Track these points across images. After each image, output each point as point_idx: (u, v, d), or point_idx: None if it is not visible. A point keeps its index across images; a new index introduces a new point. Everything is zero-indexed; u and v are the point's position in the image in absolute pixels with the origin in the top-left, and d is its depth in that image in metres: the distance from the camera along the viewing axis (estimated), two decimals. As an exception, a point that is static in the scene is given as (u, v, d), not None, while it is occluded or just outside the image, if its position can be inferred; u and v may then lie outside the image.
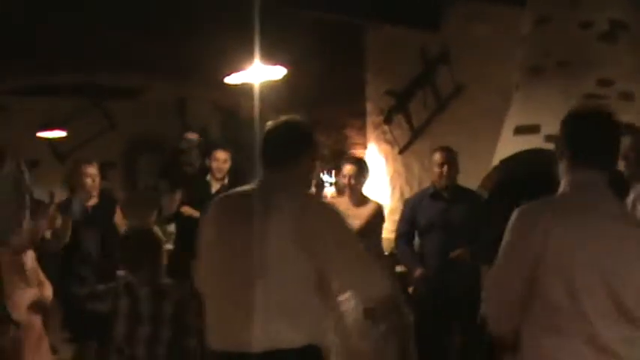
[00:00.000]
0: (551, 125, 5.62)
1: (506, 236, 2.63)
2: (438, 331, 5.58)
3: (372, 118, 8.93)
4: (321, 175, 9.15)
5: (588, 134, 2.71)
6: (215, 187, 6.99)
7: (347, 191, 5.71)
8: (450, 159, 5.67)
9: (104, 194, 6.47)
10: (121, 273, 4.89)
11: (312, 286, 2.86)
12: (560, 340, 2.50)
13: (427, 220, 5.61)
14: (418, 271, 5.55)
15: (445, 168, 5.61)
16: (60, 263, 5.99)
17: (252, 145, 11.26)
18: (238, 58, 6.93)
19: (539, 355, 2.56)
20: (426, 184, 7.81)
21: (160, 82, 8.85)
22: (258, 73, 6.26)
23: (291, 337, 2.82)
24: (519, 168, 6.12)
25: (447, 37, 7.91)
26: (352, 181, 5.62)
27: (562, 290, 2.48)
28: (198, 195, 6.76)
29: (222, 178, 7.09)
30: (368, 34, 8.82)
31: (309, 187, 3.15)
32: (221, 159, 7.09)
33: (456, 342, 5.78)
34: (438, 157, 5.66)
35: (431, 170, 5.69)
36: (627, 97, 5.78)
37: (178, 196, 7.24)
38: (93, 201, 6.27)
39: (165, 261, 4.17)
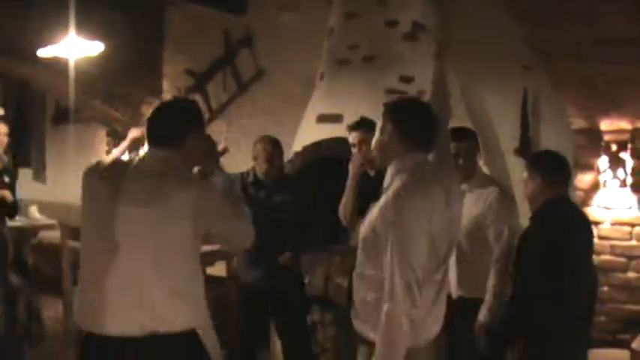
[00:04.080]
0: (354, 116, 5.90)
1: None
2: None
3: (168, 97, 8.85)
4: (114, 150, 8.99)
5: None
6: None
7: None
8: (280, 152, 5.45)
9: None
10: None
11: (196, 264, 2.94)
12: None
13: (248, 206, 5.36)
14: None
15: (275, 160, 5.37)
16: None
17: (38, 115, 10.80)
18: (40, 28, 6.66)
19: None
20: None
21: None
22: (74, 48, 5.99)
23: (172, 319, 2.83)
24: (322, 155, 6.37)
25: (251, 22, 8.00)
26: None
27: None
28: None
29: (4, 153, 6.73)
30: (170, 11, 8.72)
31: (193, 165, 3.14)
32: (2, 132, 6.73)
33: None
34: (265, 147, 5.35)
35: (257, 160, 5.35)
36: (425, 93, 6.14)
37: None
38: None
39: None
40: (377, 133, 3.21)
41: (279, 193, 5.35)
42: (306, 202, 5.41)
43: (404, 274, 2.85)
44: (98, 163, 3.14)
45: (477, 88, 6.37)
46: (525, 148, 6.01)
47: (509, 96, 6.20)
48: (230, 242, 3.27)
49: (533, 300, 3.83)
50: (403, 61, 6.20)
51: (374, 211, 3.04)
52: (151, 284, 2.81)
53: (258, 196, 5.31)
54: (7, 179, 6.52)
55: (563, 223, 3.92)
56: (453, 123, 5.62)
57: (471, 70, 6.35)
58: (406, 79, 6.13)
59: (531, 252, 3.89)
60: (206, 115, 8.46)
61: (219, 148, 5.45)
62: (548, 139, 5.94)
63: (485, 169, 5.55)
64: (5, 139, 6.72)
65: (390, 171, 3.12)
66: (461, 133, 4.56)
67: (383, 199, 3.02)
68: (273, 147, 5.36)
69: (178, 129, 3.01)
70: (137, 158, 3.06)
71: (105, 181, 2.96)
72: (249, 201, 5.17)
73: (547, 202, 3.96)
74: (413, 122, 3.13)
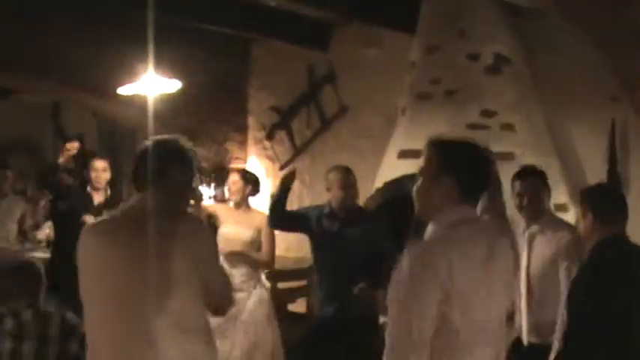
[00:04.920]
0: (436, 151, 5.81)
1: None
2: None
3: (253, 133, 8.95)
4: (200, 187, 9.08)
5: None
6: (97, 198, 6.69)
7: (235, 197, 5.74)
8: (353, 180, 5.31)
9: None
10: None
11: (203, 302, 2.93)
12: None
13: (322, 239, 5.28)
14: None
15: (349, 189, 5.25)
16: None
17: (129, 152, 11.05)
18: (123, 67, 6.83)
19: None
20: (305, 199, 7.92)
21: (37, 83, 8.49)
22: (153, 85, 6.08)
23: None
24: (403, 191, 6.27)
25: (334, 58, 8.03)
26: (237, 187, 5.69)
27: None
28: (80, 207, 6.49)
29: (103, 189, 6.82)
30: (255, 49, 8.83)
31: (182, 202, 3.10)
32: (100, 168, 6.82)
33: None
34: (337, 175, 5.25)
35: (331, 190, 5.24)
36: (508, 127, 6.02)
37: (43, 203, 6.92)
38: None
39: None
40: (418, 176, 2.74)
41: (352, 226, 5.23)
42: (378, 237, 5.29)
43: (399, 336, 2.52)
44: (94, 225, 3.16)
45: (563, 121, 6.18)
46: (614, 184, 5.76)
47: (596, 129, 5.98)
48: (215, 296, 3.05)
49: (581, 346, 3.63)
50: (485, 95, 6.08)
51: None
52: (179, 326, 2.82)
53: (332, 229, 5.22)
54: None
55: (611, 268, 3.65)
56: (540, 158, 5.55)
57: (557, 102, 6.18)
58: (488, 114, 6.01)
59: (579, 298, 3.69)
60: (290, 151, 8.53)
61: (286, 171, 5.48)
62: (638, 174, 5.70)
63: (572, 207, 5.39)
64: (104, 175, 6.78)
65: (430, 227, 2.60)
66: (524, 172, 4.42)
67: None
68: (345, 175, 5.26)
69: (155, 168, 2.96)
70: (126, 206, 3.04)
71: (107, 238, 2.93)
72: (323, 234, 5.29)
73: (599, 243, 3.70)
74: (464, 168, 2.58)
